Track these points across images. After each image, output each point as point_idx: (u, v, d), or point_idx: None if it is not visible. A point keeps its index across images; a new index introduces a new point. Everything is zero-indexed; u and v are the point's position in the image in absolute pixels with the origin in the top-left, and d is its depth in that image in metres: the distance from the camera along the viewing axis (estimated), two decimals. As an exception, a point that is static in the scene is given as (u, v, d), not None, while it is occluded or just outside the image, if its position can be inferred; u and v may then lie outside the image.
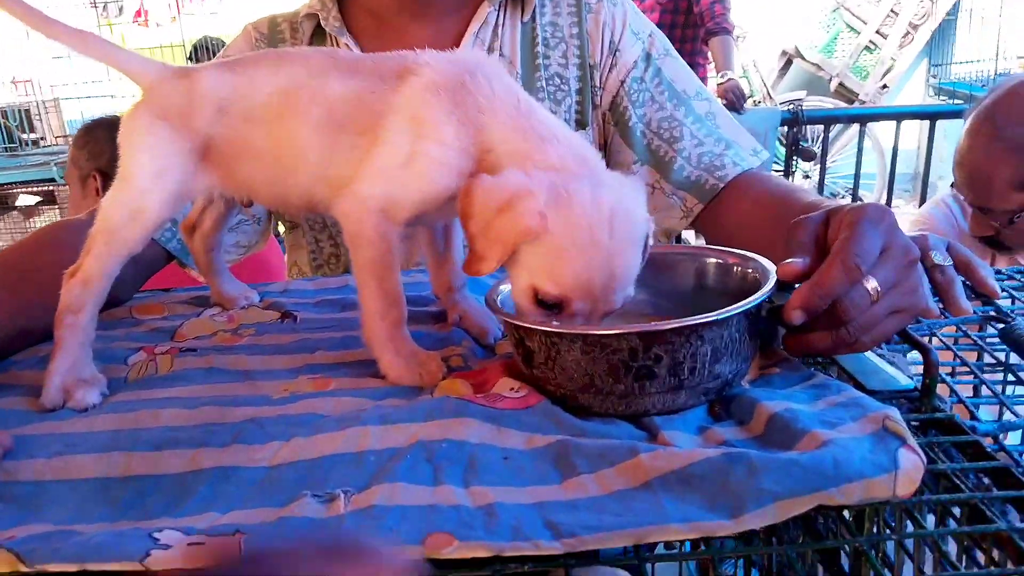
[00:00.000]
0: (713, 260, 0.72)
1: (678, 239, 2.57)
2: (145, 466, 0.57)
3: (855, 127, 3.70)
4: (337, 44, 1.07)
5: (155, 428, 0.61)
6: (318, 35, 1.09)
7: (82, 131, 2.09)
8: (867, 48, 5.39)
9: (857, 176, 3.48)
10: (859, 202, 0.67)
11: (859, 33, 5.40)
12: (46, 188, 3.25)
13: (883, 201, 3.84)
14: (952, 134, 3.25)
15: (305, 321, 0.84)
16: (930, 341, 0.72)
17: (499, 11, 1.08)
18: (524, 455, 0.55)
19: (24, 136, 3.51)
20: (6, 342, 0.77)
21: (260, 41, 1.12)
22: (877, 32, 5.35)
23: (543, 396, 0.61)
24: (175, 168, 0.73)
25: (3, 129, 3.33)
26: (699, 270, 0.73)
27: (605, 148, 1.11)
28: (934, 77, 3.43)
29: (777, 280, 0.62)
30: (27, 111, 3.63)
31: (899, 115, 3.45)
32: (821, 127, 4.04)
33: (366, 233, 0.68)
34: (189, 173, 0.73)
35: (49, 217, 4.12)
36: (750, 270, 0.68)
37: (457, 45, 1.06)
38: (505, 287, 0.69)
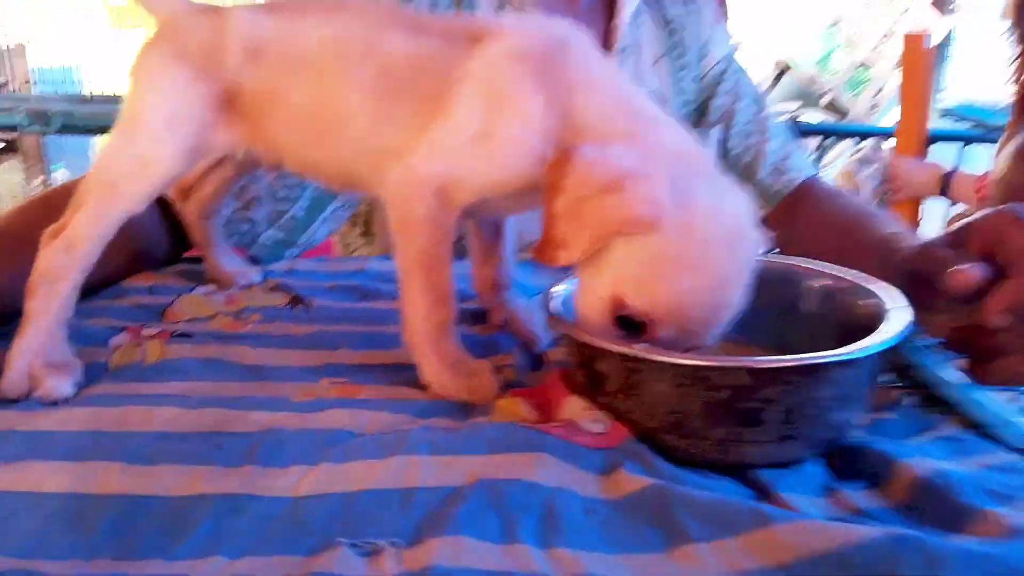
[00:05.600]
0: (813, 282, 0.61)
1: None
2: (131, 483, 0.45)
3: (846, 142, 3.65)
4: None
5: (146, 433, 0.49)
6: None
7: None
8: (862, 66, 5.39)
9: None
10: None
11: (855, 49, 5.40)
12: (9, 136, 3.05)
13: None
14: (943, 156, 3.24)
15: (320, 309, 0.72)
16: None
17: None
18: (611, 506, 0.44)
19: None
20: None
21: None
22: (873, 51, 5.35)
23: (628, 430, 0.50)
24: (193, 116, 0.62)
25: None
26: (792, 290, 0.62)
27: None
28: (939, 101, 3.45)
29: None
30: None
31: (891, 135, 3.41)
32: (814, 140, 4.00)
33: (417, 217, 0.57)
34: (208, 125, 0.63)
35: (9, 167, 3.88)
36: (870, 299, 0.57)
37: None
38: (560, 289, 0.58)
